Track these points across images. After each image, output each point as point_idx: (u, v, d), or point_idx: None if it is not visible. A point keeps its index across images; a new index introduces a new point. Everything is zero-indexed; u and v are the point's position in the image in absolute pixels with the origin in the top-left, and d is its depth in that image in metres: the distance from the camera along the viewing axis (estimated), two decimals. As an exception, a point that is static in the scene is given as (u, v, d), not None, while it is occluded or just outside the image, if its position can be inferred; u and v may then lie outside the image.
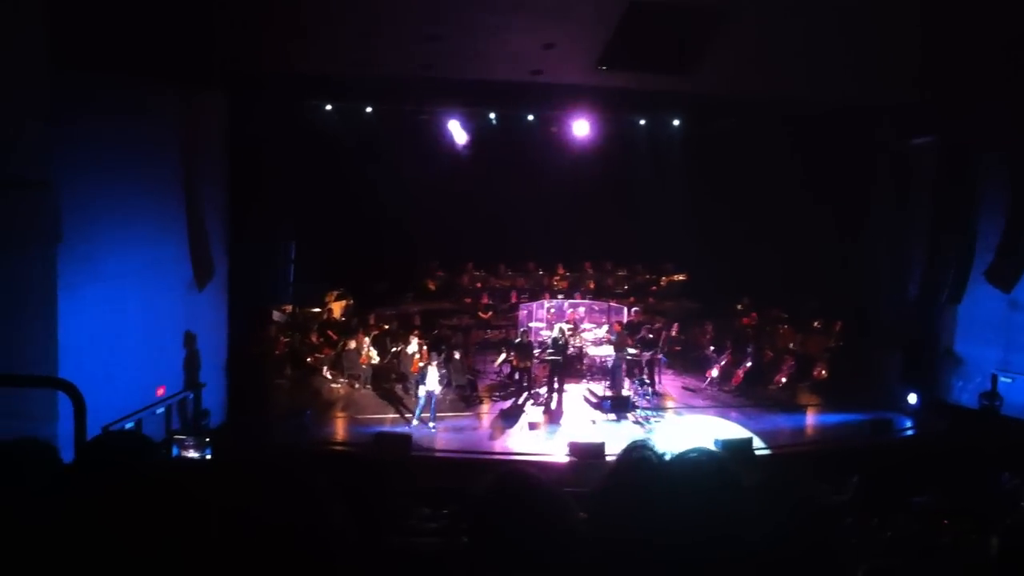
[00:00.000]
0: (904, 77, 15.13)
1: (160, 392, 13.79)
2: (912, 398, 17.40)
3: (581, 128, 19.41)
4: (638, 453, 2.07)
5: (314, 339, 19.44)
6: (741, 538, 1.94)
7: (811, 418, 17.63)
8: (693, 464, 2.01)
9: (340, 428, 16.29)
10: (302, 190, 18.50)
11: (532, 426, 16.43)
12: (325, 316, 20.71)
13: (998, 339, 16.69)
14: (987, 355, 16.91)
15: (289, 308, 20.06)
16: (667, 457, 2.05)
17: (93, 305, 11.86)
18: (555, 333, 18.02)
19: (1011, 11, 12.62)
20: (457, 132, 20.29)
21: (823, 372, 18.77)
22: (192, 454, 11.56)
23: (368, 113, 18.87)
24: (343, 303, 21.27)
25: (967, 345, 17.51)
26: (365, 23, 13.54)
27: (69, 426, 3.96)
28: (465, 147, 20.59)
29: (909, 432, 16.80)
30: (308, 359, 18.76)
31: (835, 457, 14.85)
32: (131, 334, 12.98)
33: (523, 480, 2.48)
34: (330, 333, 19.80)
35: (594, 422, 16.35)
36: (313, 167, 18.74)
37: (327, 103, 18.22)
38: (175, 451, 11.45)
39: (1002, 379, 16.59)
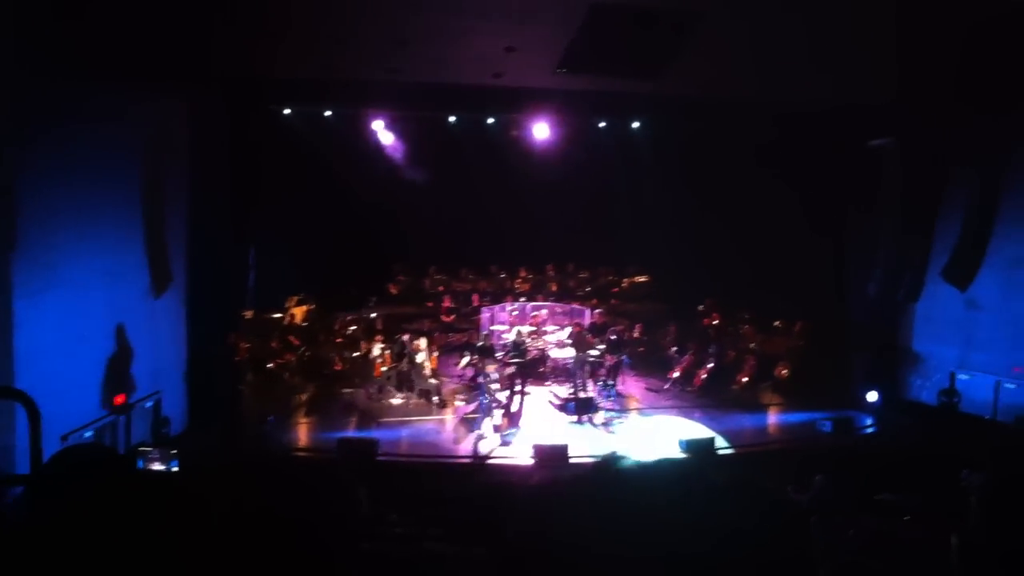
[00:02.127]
0: (873, 79, 15.28)
1: (119, 401, 13.59)
2: (872, 396, 17.58)
3: (543, 131, 19.41)
4: (613, 464, 2.07)
5: (275, 345, 19.27)
6: (715, 540, 1.94)
7: (773, 417, 17.74)
8: (668, 471, 2.01)
9: (303, 434, 16.15)
10: (262, 194, 18.33)
11: (496, 429, 16.39)
12: (286, 321, 20.55)
13: (956, 337, 16.93)
14: (945, 353, 17.16)
15: (250, 313, 19.87)
16: (639, 465, 2.05)
17: (52, 313, 11.66)
18: (513, 336, 18.03)
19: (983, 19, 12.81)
20: (399, 136, 20.26)
21: (785, 371, 18.90)
22: (158, 466, 11.40)
23: (330, 117, 18.75)
24: (304, 308, 21.12)
25: (926, 343, 17.76)
26: (334, 27, 13.48)
27: (26, 436, 3.88)
28: (411, 151, 20.55)
29: (870, 430, 16.96)
30: (269, 365, 18.59)
31: (797, 456, 14.95)
32: (90, 342, 12.81)
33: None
34: (291, 338, 19.64)
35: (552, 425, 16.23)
36: (274, 171, 18.58)
37: (291, 107, 18.07)
38: (140, 464, 11.28)
39: (960, 376, 16.81)
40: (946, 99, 15.78)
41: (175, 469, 11.27)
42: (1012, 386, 15.82)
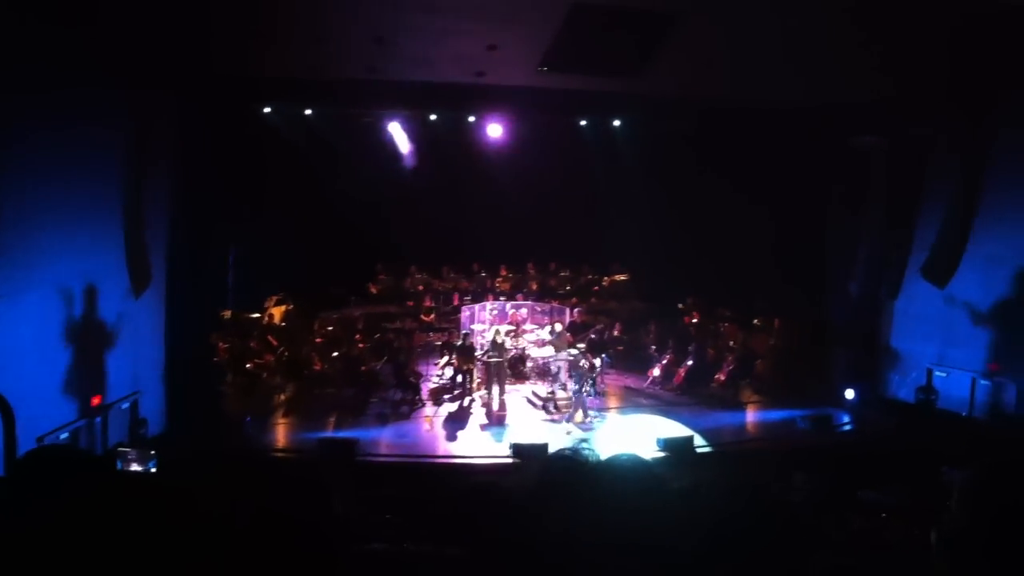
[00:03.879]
0: (853, 78, 15.33)
1: (96, 402, 13.49)
2: (850, 393, 17.68)
3: (523, 129, 19.38)
4: (566, 459, 2.06)
5: (254, 345, 19.15)
6: (703, 536, 1.93)
7: (752, 415, 17.80)
8: (621, 468, 2.00)
9: (282, 434, 16.08)
10: (242, 194, 18.23)
11: (477, 428, 16.39)
12: (265, 321, 20.43)
13: (934, 334, 17.00)
14: (923, 350, 17.23)
15: (229, 314, 19.75)
16: (595, 460, 2.04)
17: (29, 313, 11.58)
18: (492, 335, 17.99)
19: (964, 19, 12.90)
20: (400, 137, 20.18)
21: (764, 369, 18.96)
22: (136, 467, 11.29)
23: (310, 116, 18.64)
24: (284, 308, 21.01)
25: (904, 340, 17.84)
26: (312, 26, 13.41)
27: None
28: (409, 153, 20.50)
29: (848, 427, 17.04)
30: (248, 365, 18.48)
31: (777, 454, 15.01)
32: (67, 343, 12.71)
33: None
34: (270, 339, 19.53)
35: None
36: (254, 171, 18.48)
37: (270, 106, 17.96)
38: (118, 465, 11.17)
39: (937, 373, 16.89)
40: (927, 98, 15.87)
41: (153, 470, 11.18)
42: (990, 383, 15.91)
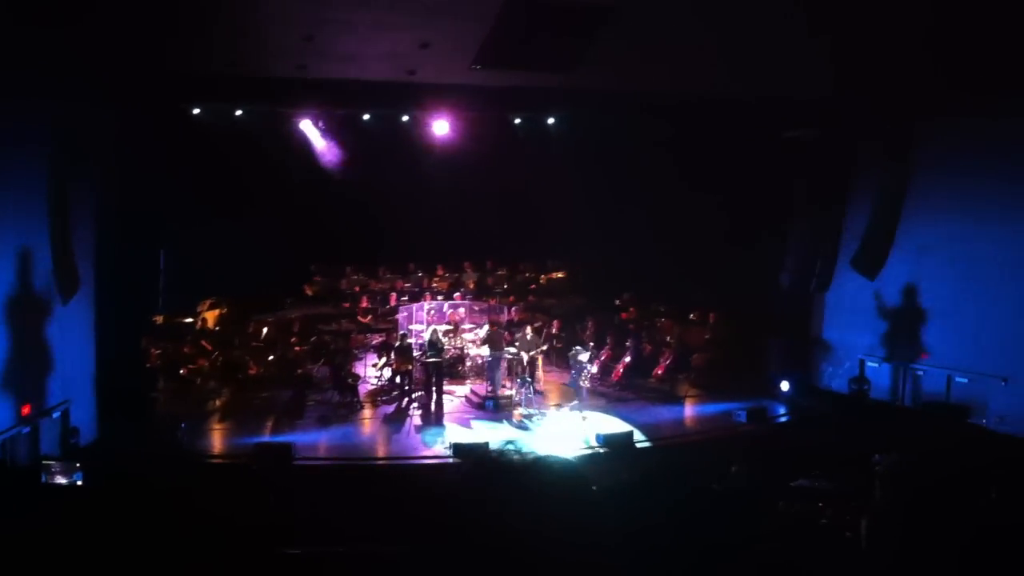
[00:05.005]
0: (787, 73, 15.49)
1: (26, 411, 13.14)
2: (785, 385, 17.93)
3: (458, 127, 19.29)
4: (493, 459, 2.04)
5: (187, 350, 18.83)
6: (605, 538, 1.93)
7: (691, 409, 17.97)
8: (548, 469, 1.99)
9: (218, 440, 15.82)
10: (173, 196, 17.90)
11: (416, 429, 16.32)
12: (199, 326, 20.09)
13: (866, 325, 17.30)
14: (855, 341, 17.53)
15: (161, 319, 19.40)
16: (524, 460, 2.03)
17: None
18: (428, 335, 17.92)
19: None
20: (331, 137, 19.96)
21: (701, 363, 19.14)
22: (61, 479, 11.01)
23: (240, 117, 18.33)
24: (217, 312, 20.69)
25: (837, 331, 18.15)
26: (238, 22, 13.20)
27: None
28: (341, 152, 20.29)
29: (783, 419, 17.29)
30: (182, 370, 18.17)
31: (714, 446, 15.16)
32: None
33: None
34: (204, 343, 19.22)
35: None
36: (185, 172, 18.15)
37: (199, 107, 17.62)
38: (43, 478, 10.89)
39: (869, 364, 17.21)
40: (858, 92, 16.13)
41: (79, 482, 10.91)
42: (920, 372, 16.25)
